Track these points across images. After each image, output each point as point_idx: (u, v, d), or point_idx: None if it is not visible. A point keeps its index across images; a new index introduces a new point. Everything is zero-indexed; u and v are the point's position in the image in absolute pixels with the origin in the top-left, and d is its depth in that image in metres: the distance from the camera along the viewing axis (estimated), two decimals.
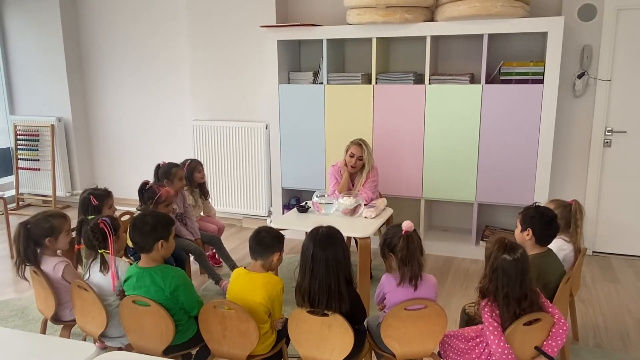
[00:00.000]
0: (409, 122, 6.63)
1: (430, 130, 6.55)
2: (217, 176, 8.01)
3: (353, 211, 5.49)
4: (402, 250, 3.54)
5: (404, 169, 6.77)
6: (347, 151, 5.90)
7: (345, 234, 3.66)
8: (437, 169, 6.63)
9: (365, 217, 5.44)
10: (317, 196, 5.66)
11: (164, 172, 5.78)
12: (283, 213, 7.50)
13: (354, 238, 5.62)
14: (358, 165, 5.82)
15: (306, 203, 5.84)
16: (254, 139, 7.68)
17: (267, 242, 3.83)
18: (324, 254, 3.48)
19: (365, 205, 5.58)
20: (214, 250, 6.38)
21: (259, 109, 7.76)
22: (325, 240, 3.51)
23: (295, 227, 5.26)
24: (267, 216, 7.93)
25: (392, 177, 6.80)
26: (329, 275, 3.46)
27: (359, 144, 5.84)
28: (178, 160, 6.30)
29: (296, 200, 7.70)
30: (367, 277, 5.08)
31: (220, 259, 6.17)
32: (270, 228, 3.91)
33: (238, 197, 7.97)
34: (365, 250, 4.95)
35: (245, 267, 3.90)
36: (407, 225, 3.59)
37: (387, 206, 5.97)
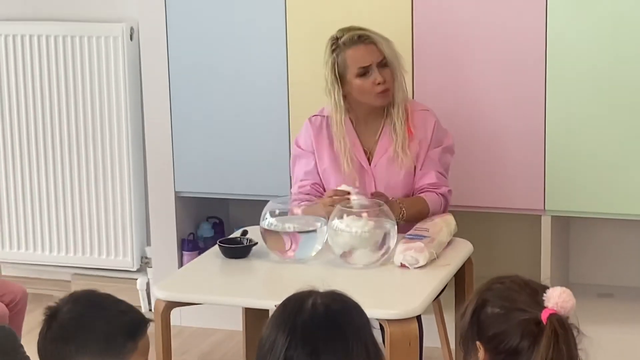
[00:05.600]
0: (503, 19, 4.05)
1: (560, 50, 4.00)
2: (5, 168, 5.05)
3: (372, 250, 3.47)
4: None
5: (496, 141, 4.22)
6: (342, 67, 3.49)
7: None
8: (584, 145, 4.10)
9: (403, 266, 3.45)
10: (276, 212, 3.49)
11: None
12: (181, 261, 5.19)
13: (379, 322, 3.67)
14: (389, 95, 3.58)
15: (244, 232, 3.81)
16: (100, 68, 4.58)
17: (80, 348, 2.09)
18: None
19: (406, 235, 3.49)
20: None
21: None
22: (323, 331, 1.94)
23: (216, 300, 3.53)
24: (138, 270, 5.44)
25: (463, 170, 4.26)
26: None
27: (367, 37, 3.47)
28: None
29: (214, 226, 5.41)
30: None
31: None
32: (106, 300, 2.18)
33: (58, 223, 5.19)
34: (401, 347, 3.29)
35: None
36: (557, 297, 2.03)
37: (457, 234, 3.70)
